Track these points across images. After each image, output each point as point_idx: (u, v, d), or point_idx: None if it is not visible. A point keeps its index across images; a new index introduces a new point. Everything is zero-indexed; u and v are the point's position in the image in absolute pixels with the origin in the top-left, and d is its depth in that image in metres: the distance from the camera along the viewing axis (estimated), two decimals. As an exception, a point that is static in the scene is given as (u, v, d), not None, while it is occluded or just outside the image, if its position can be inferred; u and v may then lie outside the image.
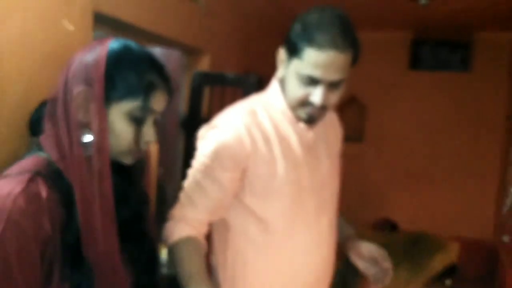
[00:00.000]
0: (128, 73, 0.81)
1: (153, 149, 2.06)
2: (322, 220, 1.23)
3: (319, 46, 1.04)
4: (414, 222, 4.07)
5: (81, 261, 0.79)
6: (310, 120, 1.18)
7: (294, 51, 1.09)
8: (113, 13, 1.91)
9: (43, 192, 0.76)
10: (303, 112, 1.16)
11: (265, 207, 1.17)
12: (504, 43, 3.87)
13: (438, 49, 4.16)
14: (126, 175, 0.92)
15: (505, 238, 2.85)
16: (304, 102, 1.13)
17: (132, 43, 0.85)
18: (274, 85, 1.22)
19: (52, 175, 0.79)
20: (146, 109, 0.82)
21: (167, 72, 0.88)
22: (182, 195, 1.16)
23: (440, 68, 4.14)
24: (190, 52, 2.70)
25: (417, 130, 4.12)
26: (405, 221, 4.08)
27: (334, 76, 1.08)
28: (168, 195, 2.07)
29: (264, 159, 1.14)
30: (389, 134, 4.19)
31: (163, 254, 1.47)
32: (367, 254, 1.28)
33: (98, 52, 0.81)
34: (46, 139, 0.83)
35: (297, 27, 1.09)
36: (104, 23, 1.94)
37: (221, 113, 1.21)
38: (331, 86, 1.10)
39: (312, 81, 1.09)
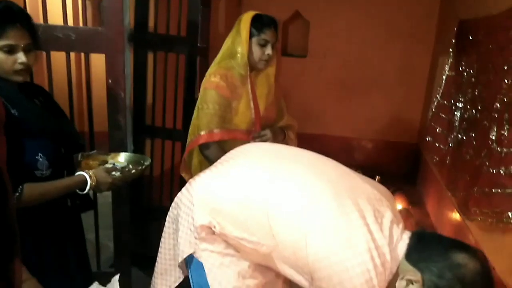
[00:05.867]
0: None
1: (101, 61, 2.12)
2: None
3: None
4: (349, 130, 4.41)
5: None
6: None
7: None
8: None
9: None
10: None
11: None
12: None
13: (377, -35, 4.23)
14: None
15: (428, 138, 3.14)
16: None
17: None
18: None
19: None
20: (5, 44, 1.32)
21: (20, 17, 1.36)
22: None
23: (377, -14, 4.24)
24: (135, -39, 2.65)
25: (354, 44, 4.24)
26: (340, 130, 4.39)
27: None
28: (119, 104, 2.17)
29: None
30: (329, 49, 4.30)
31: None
32: None
33: None
34: None
35: None
36: None
37: None
38: None
39: None
